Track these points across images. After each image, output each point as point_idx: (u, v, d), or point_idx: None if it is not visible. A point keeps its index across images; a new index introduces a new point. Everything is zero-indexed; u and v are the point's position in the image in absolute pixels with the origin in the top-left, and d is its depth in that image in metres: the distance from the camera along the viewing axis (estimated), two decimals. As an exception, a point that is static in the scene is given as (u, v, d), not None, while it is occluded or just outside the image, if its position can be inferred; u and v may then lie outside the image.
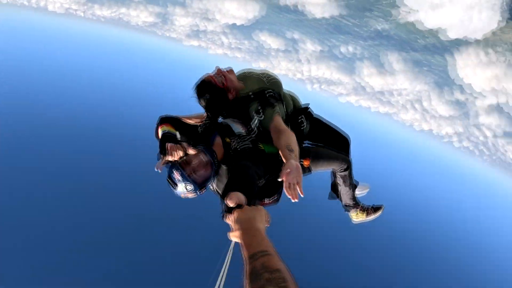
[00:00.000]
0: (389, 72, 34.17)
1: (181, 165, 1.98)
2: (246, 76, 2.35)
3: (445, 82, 25.34)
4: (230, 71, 2.27)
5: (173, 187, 2.00)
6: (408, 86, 33.68)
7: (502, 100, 17.81)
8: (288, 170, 1.71)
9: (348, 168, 2.64)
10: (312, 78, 47.02)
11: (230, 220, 1.44)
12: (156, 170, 1.98)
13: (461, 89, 22.57)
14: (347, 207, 2.92)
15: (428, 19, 19.93)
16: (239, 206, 1.50)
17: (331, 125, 2.66)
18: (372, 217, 2.85)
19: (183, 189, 1.99)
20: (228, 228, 1.43)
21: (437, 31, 20.04)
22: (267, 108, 2.12)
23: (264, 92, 2.21)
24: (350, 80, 42.88)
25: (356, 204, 2.88)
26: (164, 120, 2.37)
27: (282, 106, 2.29)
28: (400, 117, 40.91)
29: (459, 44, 18.19)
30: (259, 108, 2.13)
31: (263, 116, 2.11)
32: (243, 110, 2.18)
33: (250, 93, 2.22)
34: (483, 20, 14.00)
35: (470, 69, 17.73)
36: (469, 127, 30.19)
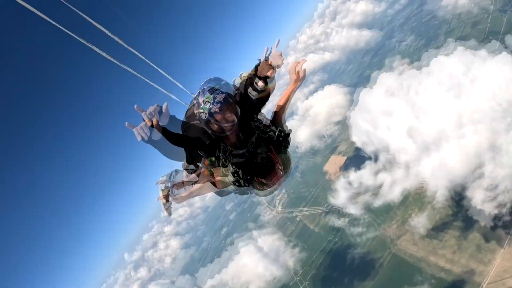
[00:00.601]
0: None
1: (228, 100, 2.38)
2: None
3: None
4: None
5: (208, 90, 2.35)
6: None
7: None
8: None
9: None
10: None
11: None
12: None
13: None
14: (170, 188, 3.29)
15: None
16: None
17: None
18: (163, 207, 3.22)
19: (209, 98, 2.32)
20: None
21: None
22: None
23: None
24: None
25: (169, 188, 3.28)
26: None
27: None
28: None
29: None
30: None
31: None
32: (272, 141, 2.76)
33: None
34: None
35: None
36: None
